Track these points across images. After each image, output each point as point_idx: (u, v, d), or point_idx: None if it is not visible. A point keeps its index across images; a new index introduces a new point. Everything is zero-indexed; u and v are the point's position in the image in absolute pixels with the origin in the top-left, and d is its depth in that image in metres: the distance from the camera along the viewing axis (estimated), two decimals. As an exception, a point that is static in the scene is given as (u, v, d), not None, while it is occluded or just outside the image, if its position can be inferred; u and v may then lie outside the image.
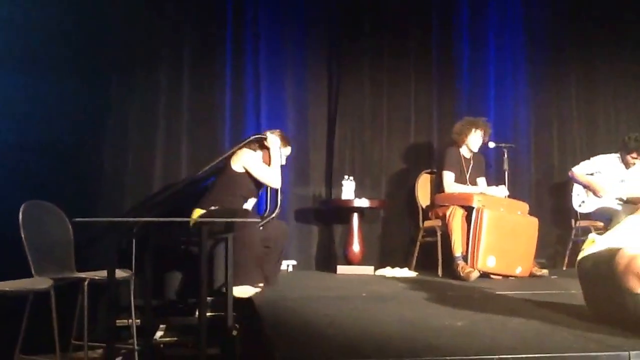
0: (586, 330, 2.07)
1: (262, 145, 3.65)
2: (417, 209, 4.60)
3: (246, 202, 3.64)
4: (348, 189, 4.39)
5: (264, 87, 4.64)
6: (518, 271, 3.96)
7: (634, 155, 4.35)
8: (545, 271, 4.14)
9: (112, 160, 4.15)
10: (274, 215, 3.55)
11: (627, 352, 1.73)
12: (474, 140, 4.32)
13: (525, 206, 4.23)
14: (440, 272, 4.11)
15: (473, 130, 4.30)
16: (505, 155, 4.44)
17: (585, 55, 5.24)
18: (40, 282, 2.67)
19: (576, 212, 4.59)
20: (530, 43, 5.16)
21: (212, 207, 3.40)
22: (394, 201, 4.77)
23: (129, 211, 4.01)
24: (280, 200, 3.56)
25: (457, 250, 3.91)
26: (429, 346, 1.86)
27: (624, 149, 4.38)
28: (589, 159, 4.55)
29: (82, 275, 2.92)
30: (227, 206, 3.42)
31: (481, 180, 4.46)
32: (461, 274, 3.80)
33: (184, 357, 3.43)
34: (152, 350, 3.30)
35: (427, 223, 4.43)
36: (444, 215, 4.09)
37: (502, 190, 4.25)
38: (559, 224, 4.95)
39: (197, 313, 3.05)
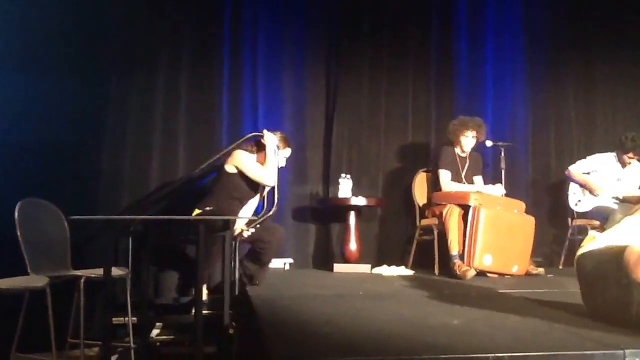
0: (582, 329, 2.07)
1: (259, 147, 3.65)
2: (414, 207, 4.61)
3: (243, 204, 3.63)
4: (345, 187, 4.39)
5: (261, 86, 4.64)
6: (514, 270, 3.97)
7: (630, 155, 4.36)
8: (541, 270, 4.15)
9: (110, 159, 4.14)
10: (270, 213, 3.54)
11: (622, 351, 1.73)
12: (465, 141, 4.33)
13: (521, 205, 4.24)
14: (436, 271, 4.12)
15: (464, 131, 4.31)
16: (503, 154, 4.45)
17: (583, 56, 5.25)
18: (36, 280, 2.66)
19: (572, 210, 4.60)
20: (528, 43, 5.17)
21: (207, 208, 3.41)
22: (391, 200, 4.77)
23: (126, 210, 4.01)
24: (277, 199, 3.55)
25: (454, 248, 3.92)
26: (426, 344, 1.87)
27: (621, 149, 4.39)
28: (585, 158, 4.57)
29: (79, 273, 2.92)
30: (222, 208, 3.41)
31: (478, 179, 4.47)
32: (458, 272, 3.80)
33: (181, 355, 3.43)
34: (149, 349, 3.30)
35: (424, 221, 4.44)
36: (441, 213, 4.09)
37: (498, 189, 4.26)
38: (555, 223, 4.97)
39: (193, 311, 3.05)
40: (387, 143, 4.91)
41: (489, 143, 4.49)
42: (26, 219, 2.89)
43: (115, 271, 2.92)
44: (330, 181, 4.66)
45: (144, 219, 3.17)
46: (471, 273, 3.77)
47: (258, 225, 3.47)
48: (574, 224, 4.64)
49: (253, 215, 3.71)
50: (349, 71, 4.82)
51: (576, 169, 4.50)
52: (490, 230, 3.88)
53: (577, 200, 4.55)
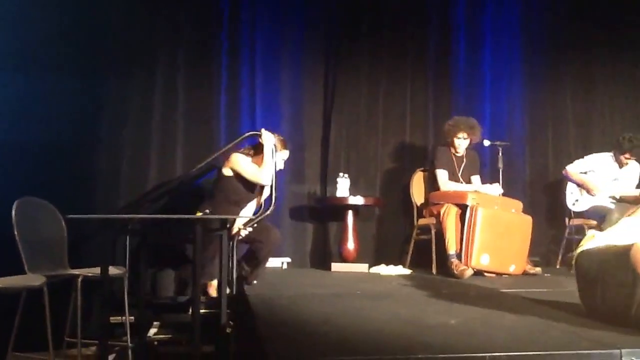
0: (579, 328, 2.08)
1: (256, 150, 3.65)
2: (411, 206, 4.61)
3: (241, 207, 3.64)
4: (343, 186, 4.39)
5: (260, 85, 4.63)
6: (511, 269, 3.98)
7: (628, 155, 4.37)
8: (538, 269, 4.16)
9: (109, 158, 4.13)
10: (268, 213, 3.54)
11: (618, 350, 1.74)
12: (458, 142, 4.34)
13: (519, 204, 4.24)
14: (434, 270, 4.12)
15: (456, 133, 4.31)
16: (500, 154, 4.46)
17: (581, 56, 5.25)
18: (33, 279, 2.65)
19: (570, 210, 4.61)
20: (527, 44, 5.17)
21: (207, 211, 3.43)
22: (389, 199, 4.77)
23: (123, 209, 4.00)
24: (275, 199, 3.54)
25: (451, 248, 3.92)
26: (423, 344, 1.87)
27: (618, 149, 4.40)
28: (583, 158, 4.57)
29: (76, 272, 2.91)
30: (219, 212, 3.42)
31: (475, 179, 4.47)
32: (455, 271, 3.81)
33: (178, 355, 3.43)
34: (146, 348, 3.29)
35: (422, 221, 4.44)
36: (439, 213, 4.10)
37: (496, 189, 4.27)
38: (552, 223, 4.98)
39: (190, 310, 3.05)
40: (385, 143, 4.91)
41: (486, 143, 4.50)
42: (23, 218, 2.88)
43: (113, 270, 2.92)
44: (328, 180, 4.66)
45: (142, 218, 3.17)
46: (469, 272, 3.78)
47: (255, 225, 3.47)
48: (571, 223, 4.64)
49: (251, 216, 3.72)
50: (347, 71, 4.81)
51: (573, 169, 4.51)
52: (488, 229, 3.89)
53: (575, 199, 4.56)
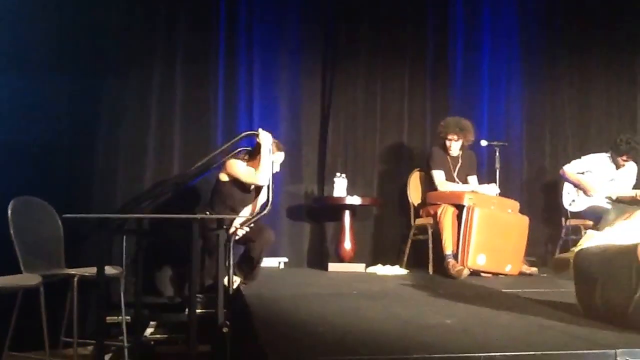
0: (575, 328, 2.09)
1: (251, 156, 3.66)
2: (408, 207, 4.61)
3: (238, 211, 3.64)
4: (340, 186, 4.39)
5: (257, 85, 4.63)
6: (508, 269, 3.99)
7: (625, 157, 4.37)
8: (535, 269, 4.17)
9: (105, 157, 4.13)
10: (264, 212, 3.53)
11: (613, 350, 1.74)
12: (449, 144, 4.34)
13: (516, 204, 4.25)
14: (431, 270, 4.12)
15: (447, 135, 4.31)
16: (497, 154, 4.46)
17: (579, 57, 5.26)
18: (29, 279, 2.65)
19: (566, 210, 4.61)
20: (524, 44, 5.18)
21: (207, 212, 3.45)
22: (386, 199, 4.77)
23: (120, 208, 3.99)
24: (271, 199, 3.54)
25: (448, 248, 3.93)
26: (420, 343, 1.87)
27: (616, 151, 4.39)
28: (580, 158, 4.58)
29: (72, 271, 2.91)
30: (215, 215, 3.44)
31: (472, 179, 4.48)
32: (452, 271, 3.82)
33: (175, 354, 3.43)
34: (142, 347, 3.29)
35: (419, 221, 4.44)
36: (435, 213, 4.10)
37: (493, 189, 4.27)
38: (549, 223, 4.98)
39: (187, 310, 3.05)
40: (382, 142, 4.91)
41: (483, 143, 4.50)
42: (19, 218, 2.87)
43: (109, 270, 2.92)
44: (325, 180, 4.66)
45: (138, 218, 3.16)
46: (465, 272, 3.79)
47: (252, 225, 3.47)
48: (567, 223, 4.65)
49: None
50: (345, 71, 4.81)
51: (570, 169, 4.51)
52: (484, 229, 3.89)
53: (571, 200, 4.56)
